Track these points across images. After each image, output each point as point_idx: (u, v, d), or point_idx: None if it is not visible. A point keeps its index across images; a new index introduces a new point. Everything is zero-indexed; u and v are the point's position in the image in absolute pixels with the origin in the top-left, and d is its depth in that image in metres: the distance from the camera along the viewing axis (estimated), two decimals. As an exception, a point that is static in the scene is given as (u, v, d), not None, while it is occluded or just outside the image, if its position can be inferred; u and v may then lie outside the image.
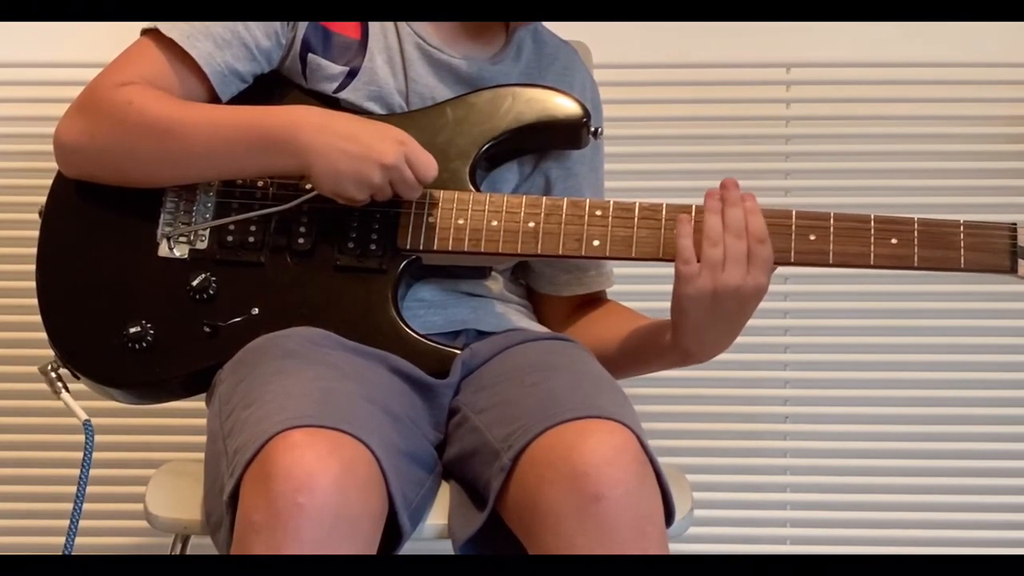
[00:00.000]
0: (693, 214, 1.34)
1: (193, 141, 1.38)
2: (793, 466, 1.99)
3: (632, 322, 1.48)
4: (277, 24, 1.43)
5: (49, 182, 1.46)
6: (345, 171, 1.34)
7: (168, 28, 1.41)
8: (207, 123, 1.38)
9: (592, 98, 1.55)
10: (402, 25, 1.48)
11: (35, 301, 1.43)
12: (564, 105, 1.45)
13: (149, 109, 1.38)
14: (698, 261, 1.31)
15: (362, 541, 1.14)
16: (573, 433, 1.17)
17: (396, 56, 1.47)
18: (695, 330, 1.34)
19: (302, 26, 1.45)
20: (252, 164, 1.39)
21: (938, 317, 1.98)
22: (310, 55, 1.45)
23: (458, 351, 1.38)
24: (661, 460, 1.20)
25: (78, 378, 1.42)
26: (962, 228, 1.34)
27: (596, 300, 1.57)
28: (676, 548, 1.19)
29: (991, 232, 1.34)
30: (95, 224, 1.43)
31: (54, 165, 1.45)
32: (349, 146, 1.34)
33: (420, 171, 1.35)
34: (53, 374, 1.42)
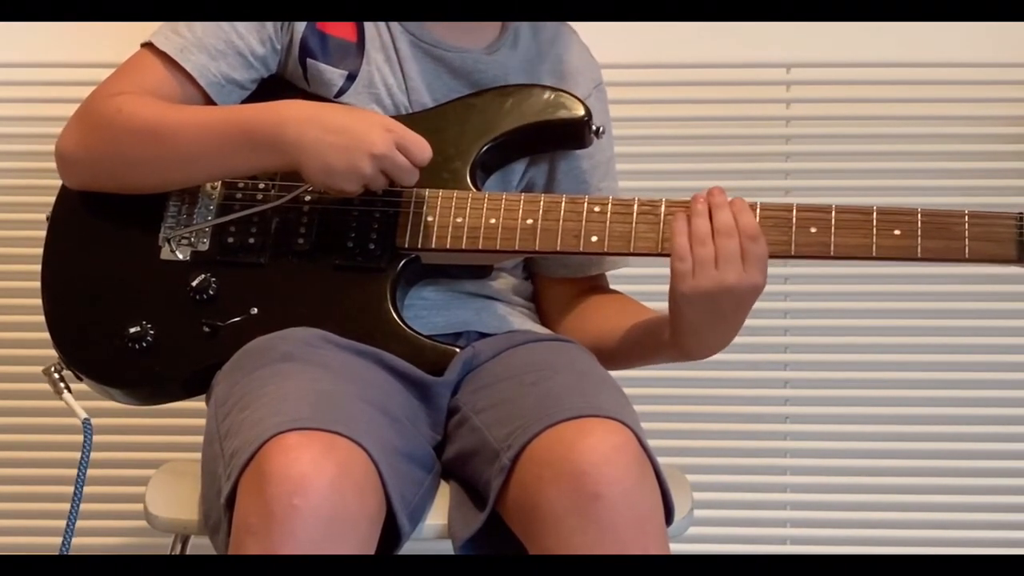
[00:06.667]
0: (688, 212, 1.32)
1: (181, 143, 1.38)
2: (793, 466, 1.99)
3: (634, 314, 1.47)
4: (270, 30, 1.43)
5: (49, 183, 1.47)
6: (335, 164, 1.34)
7: (162, 42, 1.42)
8: (194, 124, 1.38)
9: (594, 76, 1.54)
10: (393, 23, 1.47)
11: (37, 302, 1.44)
12: (565, 105, 1.45)
13: (137, 115, 1.38)
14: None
15: (359, 542, 1.13)
16: (572, 432, 1.17)
17: (392, 54, 1.47)
18: (692, 329, 1.34)
19: (298, 29, 1.44)
20: (242, 163, 1.39)
21: (938, 317, 1.97)
22: (309, 60, 1.45)
23: (458, 349, 1.38)
24: (661, 460, 1.20)
25: (80, 379, 1.43)
26: (967, 218, 1.31)
27: (598, 288, 1.56)
28: (676, 548, 1.19)
29: (997, 221, 1.31)
30: (100, 229, 1.44)
31: (54, 166, 1.45)
32: (337, 138, 1.34)
33: (413, 153, 1.35)
34: (56, 375, 1.43)
